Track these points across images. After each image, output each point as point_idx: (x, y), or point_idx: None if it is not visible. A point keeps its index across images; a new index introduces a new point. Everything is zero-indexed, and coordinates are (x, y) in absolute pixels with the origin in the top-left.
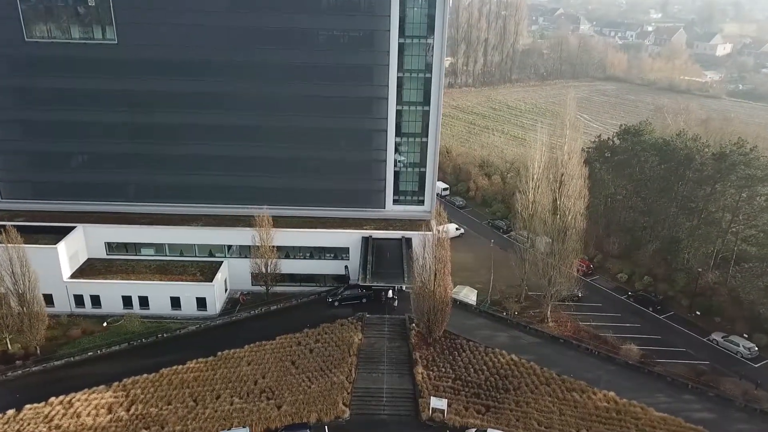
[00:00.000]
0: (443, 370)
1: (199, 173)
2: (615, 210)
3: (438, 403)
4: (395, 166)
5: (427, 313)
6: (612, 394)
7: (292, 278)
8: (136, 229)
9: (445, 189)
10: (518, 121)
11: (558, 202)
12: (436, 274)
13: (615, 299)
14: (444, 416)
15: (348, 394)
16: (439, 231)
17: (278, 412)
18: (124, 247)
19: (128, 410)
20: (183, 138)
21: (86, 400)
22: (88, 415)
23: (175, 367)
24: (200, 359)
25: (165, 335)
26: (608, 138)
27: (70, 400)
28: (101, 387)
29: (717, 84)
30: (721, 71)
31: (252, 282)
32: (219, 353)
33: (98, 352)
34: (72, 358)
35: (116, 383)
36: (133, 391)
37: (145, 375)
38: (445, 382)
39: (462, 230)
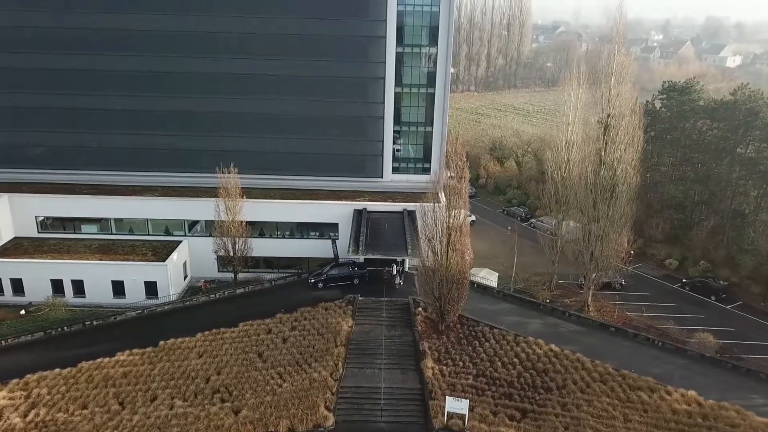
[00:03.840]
0: (460, 364)
1: (154, 133)
2: (658, 185)
3: (456, 405)
4: (395, 151)
5: (438, 289)
6: (693, 393)
7: (269, 264)
8: (74, 201)
9: (451, 177)
10: (527, 120)
11: (602, 153)
12: (450, 236)
13: (666, 288)
14: (465, 423)
15: (332, 394)
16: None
17: (235, 418)
18: (61, 224)
19: (25, 416)
20: (134, 89)
21: None
22: None
23: (99, 360)
24: (135, 350)
25: (95, 323)
26: (647, 101)
27: None
28: None
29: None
30: (736, 81)
31: (219, 267)
32: (161, 343)
33: (2, 343)
34: None
35: (15, 380)
36: (37, 391)
37: (57, 370)
38: (464, 379)
39: (474, 218)
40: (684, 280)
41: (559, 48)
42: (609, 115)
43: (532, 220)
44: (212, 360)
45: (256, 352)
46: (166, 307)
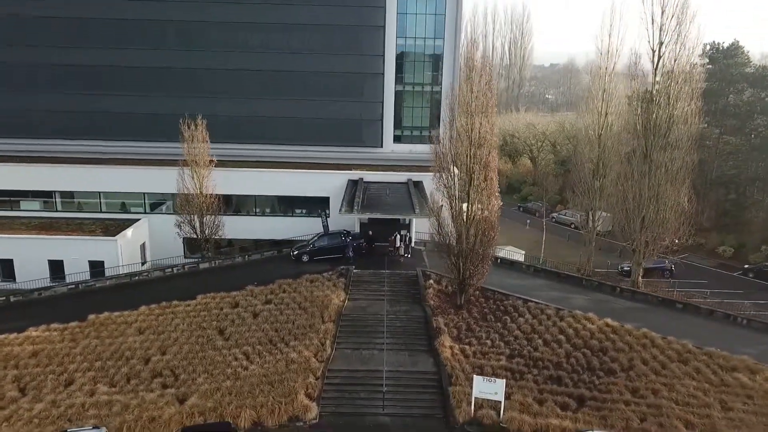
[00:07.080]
0: (488, 343)
1: (110, 93)
2: (702, 164)
3: (488, 387)
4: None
5: (457, 246)
6: None
7: (246, 250)
8: (9, 169)
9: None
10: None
11: (653, 90)
12: (472, 176)
13: (724, 276)
14: (500, 415)
15: (317, 379)
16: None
17: (179, 408)
18: None
19: None
20: (84, 39)
21: None
22: None
23: (2, 337)
24: (54, 325)
25: (12, 299)
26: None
27: None
28: None
29: None
30: None
31: (185, 253)
32: (91, 317)
33: None
34: None
35: None
36: None
37: None
38: (495, 360)
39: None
40: (746, 266)
41: (563, 73)
42: (662, 43)
43: (554, 215)
44: (156, 337)
45: (216, 329)
46: (107, 282)
